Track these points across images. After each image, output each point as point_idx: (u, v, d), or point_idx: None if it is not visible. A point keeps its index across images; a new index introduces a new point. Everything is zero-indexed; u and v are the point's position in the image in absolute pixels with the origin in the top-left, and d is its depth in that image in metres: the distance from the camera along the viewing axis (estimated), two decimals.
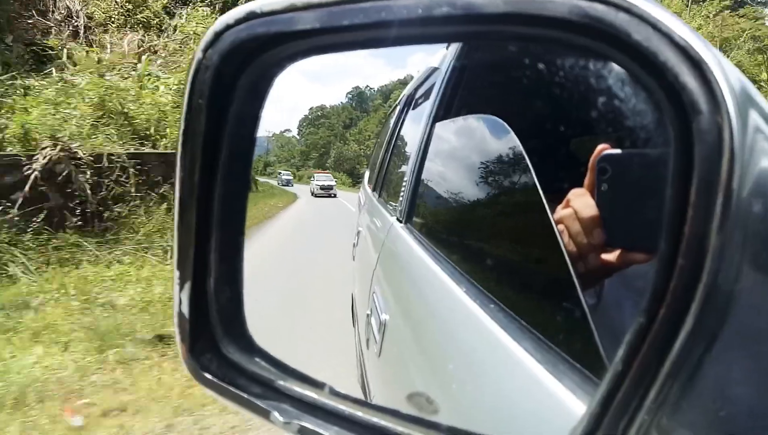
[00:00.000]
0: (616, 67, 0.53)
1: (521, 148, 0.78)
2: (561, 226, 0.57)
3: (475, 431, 0.49)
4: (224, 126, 0.46)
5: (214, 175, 0.47)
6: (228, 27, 0.43)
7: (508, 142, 0.84)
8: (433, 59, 1.42)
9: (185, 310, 0.49)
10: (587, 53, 0.45)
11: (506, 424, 0.55)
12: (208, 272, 0.50)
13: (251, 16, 0.42)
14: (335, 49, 0.46)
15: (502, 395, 0.60)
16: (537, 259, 0.75)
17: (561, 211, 0.57)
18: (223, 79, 0.44)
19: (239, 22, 0.43)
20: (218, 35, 0.43)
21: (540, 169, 0.70)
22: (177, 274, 0.48)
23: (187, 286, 0.49)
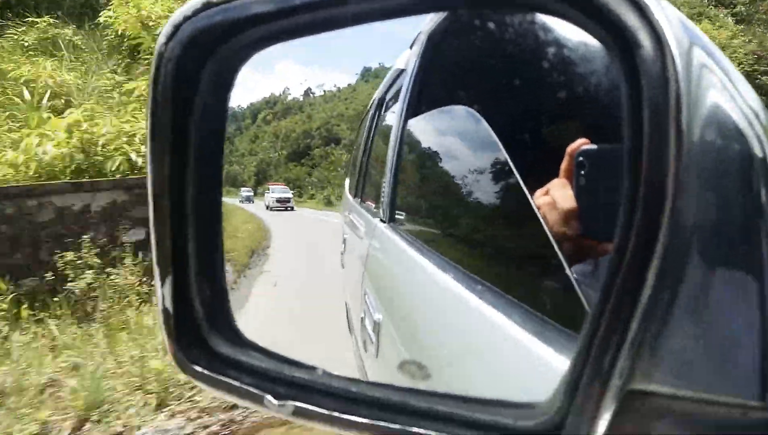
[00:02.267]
0: (580, 41, 0.55)
1: (493, 133, 0.80)
2: (539, 212, 0.58)
3: (470, 395, 0.49)
4: (191, 118, 0.46)
5: (185, 168, 0.47)
6: (186, 18, 0.43)
7: (479, 129, 0.86)
8: (398, 61, 1.44)
9: (168, 305, 0.49)
10: (534, 10, 0.46)
11: (501, 385, 0.55)
12: (188, 267, 0.50)
13: (208, 5, 0.43)
14: (295, 34, 0.47)
15: (495, 363, 0.60)
16: (518, 239, 0.76)
17: (541, 199, 0.58)
18: (186, 71, 0.45)
19: (197, 12, 0.43)
20: (177, 27, 0.44)
21: (514, 151, 0.71)
22: (157, 270, 0.49)
23: (168, 281, 0.49)
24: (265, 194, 5.36)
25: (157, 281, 0.48)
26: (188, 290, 0.50)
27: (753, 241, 0.38)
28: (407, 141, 1.28)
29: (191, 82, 0.46)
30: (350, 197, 2.21)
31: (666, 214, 0.34)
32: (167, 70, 0.44)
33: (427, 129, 1.19)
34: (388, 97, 1.62)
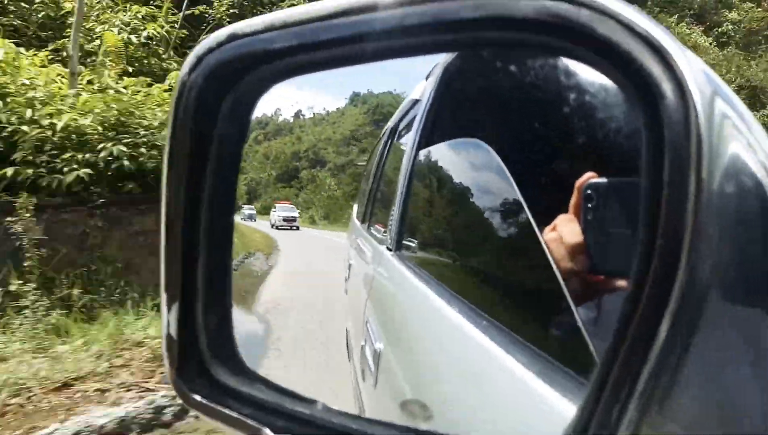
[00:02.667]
0: (595, 81, 0.55)
1: (504, 168, 0.80)
2: (547, 248, 0.58)
3: None
4: (209, 147, 0.47)
5: (199, 196, 0.47)
6: (210, 50, 0.44)
7: (491, 163, 0.86)
8: (414, 91, 1.45)
9: (173, 332, 0.48)
10: (556, 54, 0.47)
11: (505, 430, 0.54)
12: (195, 294, 0.50)
13: (232, 37, 0.43)
14: (315, 68, 0.48)
15: (498, 405, 0.59)
16: (526, 275, 0.75)
17: (548, 235, 0.58)
18: (207, 101, 0.45)
19: (221, 44, 0.44)
20: (201, 58, 0.44)
21: (525, 187, 0.71)
22: (164, 296, 0.48)
23: (175, 308, 0.48)
24: (271, 213, 5.42)
25: (163, 307, 0.48)
26: (194, 317, 0.49)
27: None
28: (418, 171, 1.29)
29: (211, 113, 0.46)
30: (358, 223, 2.21)
31: (682, 267, 0.33)
32: (189, 99, 0.44)
33: (438, 160, 1.19)
34: (401, 126, 1.63)
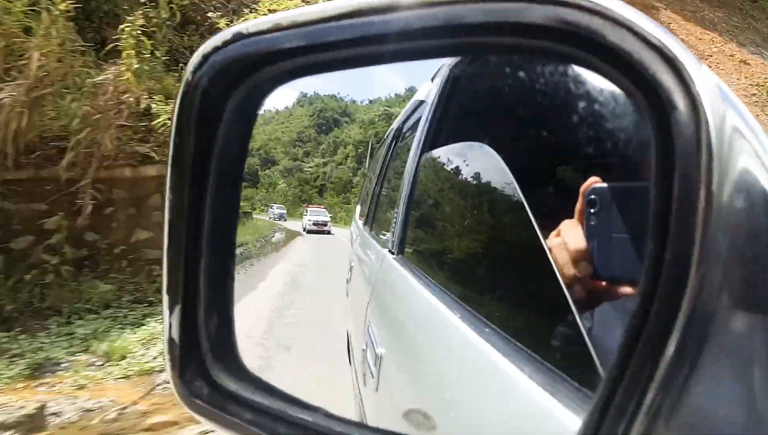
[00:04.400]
0: (603, 88, 0.54)
1: (509, 172, 0.79)
2: (551, 254, 0.57)
3: None
4: (213, 147, 0.46)
5: (203, 197, 0.47)
6: (216, 48, 0.44)
7: (496, 168, 0.85)
8: (419, 92, 1.45)
9: (175, 335, 0.48)
10: (565, 61, 0.46)
11: None
12: (198, 297, 0.49)
13: (238, 36, 0.43)
14: (320, 69, 0.47)
15: (501, 417, 0.59)
16: (530, 281, 0.75)
17: (551, 240, 0.57)
18: (211, 101, 0.45)
19: (227, 43, 0.44)
20: (206, 57, 0.44)
21: (529, 192, 0.71)
22: (166, 298, 0.48)
23: (177, 310, 0.48)
24: (303, 217, 5.59)
25: (165, 310, 0.47)
26: (195, 320, 0.49)
27: None
28: (422, 174, 1.28)
29: (216, 112, 0.46)
30: (360, 224, 2.21)
31: (691, 281, 0.33)
32: (193, 98, 0.44)
33: (443, 163, 1.19)
34: (405, 128, 1.63)
